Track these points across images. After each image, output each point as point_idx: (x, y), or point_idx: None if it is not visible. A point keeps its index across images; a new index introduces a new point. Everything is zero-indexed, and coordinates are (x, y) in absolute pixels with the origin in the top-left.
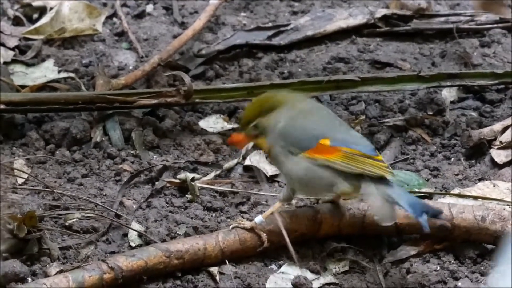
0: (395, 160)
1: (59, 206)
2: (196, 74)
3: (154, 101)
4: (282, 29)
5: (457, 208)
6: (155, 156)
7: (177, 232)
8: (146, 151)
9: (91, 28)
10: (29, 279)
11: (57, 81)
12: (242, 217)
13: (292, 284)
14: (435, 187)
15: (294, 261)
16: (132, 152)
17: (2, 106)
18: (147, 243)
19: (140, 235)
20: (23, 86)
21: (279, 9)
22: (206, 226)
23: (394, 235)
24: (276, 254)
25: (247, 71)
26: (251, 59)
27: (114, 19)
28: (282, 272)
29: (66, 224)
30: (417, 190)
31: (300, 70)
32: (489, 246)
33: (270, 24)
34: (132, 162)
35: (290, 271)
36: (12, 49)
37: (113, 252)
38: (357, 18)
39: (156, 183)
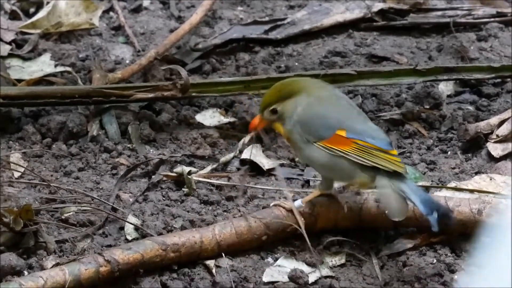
0: None
1: (56, 199)
2: (192, 68)
3: (151, 95)
4: (279, 23)
5: (454, 201)
6: (151, 150)
7: (174, 226)
8: (142, 145)
9: (87, 22)
10: (26, 272)
11: (53, 75)
12: (283, 200)
13: (288, 277)
14: (432, 181)
15: (310, 251)
16: (128, 145)
17: None
18: (144, 236)
19: (136, 228)
20: (19, 80)
21: (276, 3)
22: (202, 219)
23: (390, 228)
24: (273, 247)
25: (244, 65)
26: (247, 53)
27: (111, 13)
28: (279, 265)
29: (63, 217)
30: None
31: (296, 64)
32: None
33: (267, 18)
34: (129, 156)
35: (287, 264)
36: (9, 43)
37: (110, 246)
38: (354, 12)
39: (153, 176)
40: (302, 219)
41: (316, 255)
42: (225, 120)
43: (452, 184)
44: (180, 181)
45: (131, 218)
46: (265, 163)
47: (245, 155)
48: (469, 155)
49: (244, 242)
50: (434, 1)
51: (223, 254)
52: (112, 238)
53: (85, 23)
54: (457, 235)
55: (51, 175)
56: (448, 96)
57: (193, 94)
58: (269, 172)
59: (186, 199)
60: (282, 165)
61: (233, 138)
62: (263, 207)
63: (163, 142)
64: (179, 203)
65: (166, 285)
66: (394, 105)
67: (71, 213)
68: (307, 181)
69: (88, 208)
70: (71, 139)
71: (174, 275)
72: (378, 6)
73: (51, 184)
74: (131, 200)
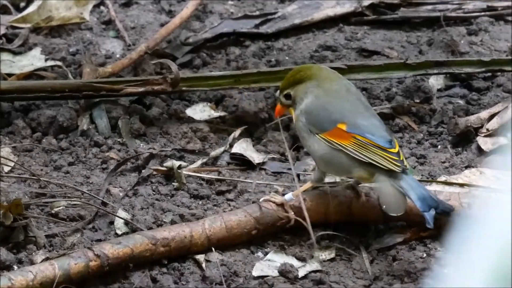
0: None
1: (46, 194)
2: (183, 62)
3: (141, 89)
4: (269, 17)
5: (444, 195)
6: (141, 144)
7: (164, 220)
8: (132, 139)
9: (78, 16)
10: (15, 267)
11: (44, 69)
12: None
13: (278, 272)
14: (422, 175)
15: (313, 245)
16: (118, 140)
17: None
18: (134, 230)
19: (126, 223)
20: (10, 75)
21: None
22: (192, 213)
23: (380, 223)
24: (263, 242)
25: (234, 59)
26: (238, 47)
27: (102, 7)
28: (269, 260)
29: (52, 212)
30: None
31: (287, 58)
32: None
33: (257, 13)
34: (119, 150)
35: (277, 259)
36: None
37: (99, 240)
38: (345, 6)
39: (143, 171)
40: (292, 213)
41: (307, 249)
42: (215, 114)
43: (442, 178)
44: (170, 176)
45: (121, 213)
46: (255, 157)
47: (235, 149)
48: (459, 149)
49: (234, 236)
50: None
51: (213, 249)
52: (102, 232)
53: (75, 17)
54: (448, 229)
55: (41, 170)
56: (439, 90)
57: (184, 88)
58: (259, 167)
59: (176, 194)
60: (272, 159)
61: (223, 132)
62: (253, 201)
63: (153, 137)
64: (169, 197)
65: (156, 280)
66: (384, 99)
67: (61, 207)
68: (298, 175)
69: (78, 203)
70: (61, 134)
71: (164, 269)
72: (368, 0)
73: (41, 178)
74: (121, 194)
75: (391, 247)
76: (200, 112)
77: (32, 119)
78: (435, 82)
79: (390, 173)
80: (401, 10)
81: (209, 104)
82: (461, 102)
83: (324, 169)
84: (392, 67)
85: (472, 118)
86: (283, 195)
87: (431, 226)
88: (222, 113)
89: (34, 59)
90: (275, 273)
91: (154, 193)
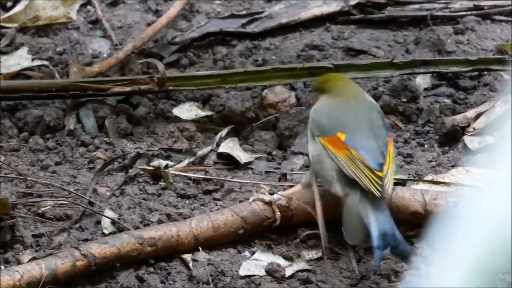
0: None
1: (32, 193)
2: (170, 61)
3: (128, 89)
4: (256, 16)
5: (430, 194)
6: (128, 144)
7: (151, 219)
8: (119, 139)
9: (65, 16)
10: (2, 267)
11: (31, 69)
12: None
13: (265, 271)
14: (409, 174)
15: (322, 244)
16: (105, 139)
17: None
18: (120, 230)
19: (113, 222)
20: None
21: None
22: (179, 213)
23: None
24: (250, 241)
25: (221, 59)
26: (225, 47)
27: (88, 7)
28: (256, 259)
29: (39, 211)
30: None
31: (274, 57)
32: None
33: (244, 12)
34: (106, 150)
35: (263, 258)
36: None
37: (86, 240)
38: (331, 5)
39: (130, 170)
40: (279, 213)
41: (294, 248)
42: (202, 113)
43: (429, 177)
44: (157, 175)
45: (108, 212)
46: (242, 156)
47: (222, 148)
48: (446, 148)
49: (221, 236)
50: None
51: (200, 248)
52: (89, 232)
53: (62, 17)
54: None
55: (28, 169)
56: (425, 89)
57: (170, 87)
58: (246, 166)
59: (163, 193)
60: (259, 158)
61: (210, 131)
62: (240, 201)
63: (140, 136)
64: (156, 196)
65: (142, 279)
66: None
67: (48, 207)
68: (284, 175)
69: (65, 202)
70: (48, 133)
71: (151, 269)
72: None
73: (28, 178)
74: (108, 194)
75: None
76: (187, 111)
77: (19, 118)
78: (422, 81)
79: (364, 199)
80: (388, 10)
81: (196, 104)
82: (448, 101)
83: (314, 173)
84: (379, 66)
85: (458, 117)
86: (272, 194)
87: (376, 264)
88: (209, 113)
89: (21, 59)
90: (262, 272)
91: (141, 192)
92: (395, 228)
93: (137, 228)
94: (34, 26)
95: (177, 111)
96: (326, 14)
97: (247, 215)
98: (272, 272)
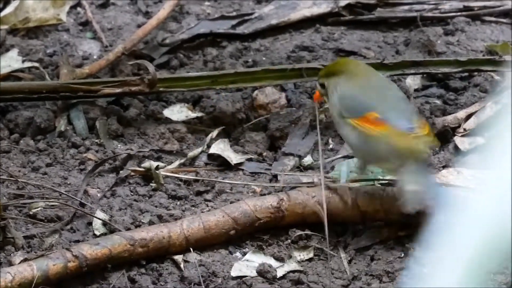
0: None
1: (24, 195)
2: (160, 63)
3: (118, 90)
4: (246, 18)
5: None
6: (119, 145)
7: (142, 221)
8: (110, 140)
9: (55, 17)
10: None
11: (21, 70)
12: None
13: (257, 272)
14: None
15: (326, 240)
16: (96, 141)
17: None
18: (112, 231)
19: (104, 223)
20: None
21: None
22: (170, 214)
23: (358, 222)
24: (241, 242)
25: (212, 60)
26: (215, 48)
27: (78, 8)
28: (247, 260)
29: (31, 213)
30: (381, 177)
31: (264, 58)
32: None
33: (234, 13)
34: (97, 151)
35: (255, 259)
36: None
37: (78, 241)
38: (321, 6)
39: (121, 171)
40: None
41: (285, 249)
42: (192, 115)
43: None
44: (148, 176)
45: (99, 213)
46: (233, 157)
47: (212, 149)
48: (437, 149)
49: (212, 237)
50: None
51: (191, 249)
52: (80, 233)
53: (52, 18)
54: (425, 228)
55: (19, 171)
56: (416, 90)
57: (161, 89)
58: (237, 167)
59: (154, 194)
60: (250, 159)
61: (200, 133)
62: (231, 202)
63: (131, 137)
64: (147, 198)
65: (134, 280)
66: None
67: (39, 208)
68: (275, 176)
69: (56, 204)
70: (39, 135)
71: (142, 270)
72: (345, 0)
73: (18, 179)
74: (99, 195)
75: (369, 247)
76: (178, 113)
77: (10, 120)
78: (412, 82)
79: (414, 167)
80: (378, 11)
81: (186, 105)
82: (438, 102)
83: (362, 157)
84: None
85: (449, 118)
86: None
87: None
88: (200, 114)
89: (11, 61)
90: (254, 273)
91: (132, 193)
92: (445, 190)
93: (128, 229)
94: (24, 28)
95: (167, 113)
96: (316, 15)
97: (238, 216)
98: (263, 273)
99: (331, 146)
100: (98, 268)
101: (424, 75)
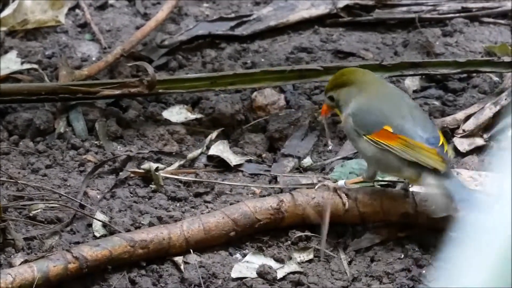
0: None
1: (23, 196)
2: (159, 64)
3: (118, 92)
4: (244, 19)
5: (421, 196)
6: (118, 147)
7: (142, 222)
8: (109, 142)
9: (54, 19)
10: None
11: (20, 72)
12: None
13: (257, 273)
14: None
15: (322, 243)
16: (95, 142)
17: None
18: (112, 233)
19: (104, 225)
20: None
21: (242, 0)
22: (170, 215)
23: (358, 223)
24: (241, 243)
25: (210, 62)
26: (214, 50)
27: (77, 10)
28: (247, 261)
29: (31, 214)
30: (380, 178)
31: (263, 60)
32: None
33: (232, 15)
34: (96, 153)
35: (255, 260)
36: None
37: (78, 242)
38: (320, 8)
39: (120, 173)
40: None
41: (285, 250)
42: (192, 116)
43: None
44: (147, 178)
45: (99, 215)
46: (232, 159)
47: (212, 151)
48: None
49: (212, 238)
50: None
51: (191, 251)
52: (80, 235)
53: (51, 20)
54: (425, 229)
55: (19, 173)
56: (414, 91)
57: (160, 90)
58: (237, 168)
59: (154, 196)
60: (249, 161)
61: (200, 134)
62: (231, 203)
63: (130, 139)
64: (146, 199)
65: (134, 282)
66: None
67: (39, 210)
68: (275, 177)
69: (56, 205)
70: (38, 136)
71: (143, 271)
72: (343, 2)
73: (18, 181)
74: (98, 197)
75: (369, 248)
76: (177, 114)
77: (9, 122)
78: (411, 83)
79: (437, 174)
80: (376, 12)
81: (185, 107)
82: (437, 103)
83: (375, 168)
84: (368, 69)
85: (448, 119)
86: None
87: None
88: (199, 115)
89: (10, 62)
90: (254, 274)
91: (131, 195)
92: (471, 192)
93: (128, 230)
94: (23, 30)
95: (166, 114)
96: (315, 16)
97: (238, 217)
98: (263, 274)
99: (330, 147)
100: (98, 270)
101: (423, 76)
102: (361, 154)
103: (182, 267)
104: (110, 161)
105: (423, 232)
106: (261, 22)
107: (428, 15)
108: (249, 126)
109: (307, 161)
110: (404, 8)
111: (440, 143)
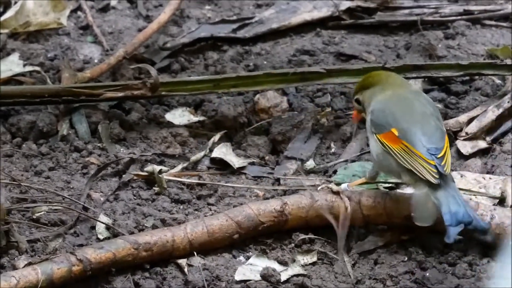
0: (362, 151)
1: (27, 199)
2: (161, 67)
3: (120, 94)
4: (246, 21)
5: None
6: (122, 149)
7: (145, 225)
8: (112, 144)
9: (55, 21)
10: None
11: (22, 74)
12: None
13: (260, 276)
14: None
15: (338, 247)
16: (98, 145)
17: None
18: (115, 235)
19: (108, 227)
20: None
21: (244, 2)
22: (173, 218)
23: (361, 226)
24: (244, 246)
25: (213, 64)
26: (216, 52)
27: (79, 12)
28: (251, 264)
29: (34, 217)
30: (382, 181)
31: (265, 62)
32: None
33: (234, 17)
34: (99, 155)
35: (259, 263)
36: None
37: (81, 245)
38: (322, 10)
39: (123, 175)
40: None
41: (289, 253)
42: (194, 119)
43: None
44: (150, 180)
45: (103, 217)
46: (235, 161)
47: (215, 153)
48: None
49: (215, 240)
50: None
51: (195, 253)
52: (84, 237)
53: (53, 22)
54: (428, 232)
55: (22, 175)
56: None
57: (163, 93)
58: (240, 171)
59: (157, 198)
60: (252, 163)
61: (203, 136)
62: (234, 206)
63: (133, 141)
64: (150, 202)
65: (138, 284)
66: None
67: (42, 212)
68: (278, 180)
69: (59, 208)
70: (41, 139)
71: (146, 274)
72: (345, 4)
73: (22, 183)
74: (102, 199)
75: (372, 251)
76: (180, 116)
77: (12, 124)
78: (414, 86)
79: (430, 184)
80: (378, 14)
81: (188, 109)
82: (440, 105)
83: (378, 168)
84: (370, 71)
85: (451, 121)
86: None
87: (450, 241)
88: (202, 118)
89: (12, 65)
90: (257, 277)
91: (135, 197)
92: (466, 207)
93: (131, 233)
94: (25, 32)
95: (169, 117)
96: (317, 19)
97: (241, 220)
98: (267, 276)
99: (333, 150)
100: (102, 272)
101: (426, 79)
102: (371, 152)
103: (186, 269)
104: (113, 163)
105: (427, 234)
106: (263, 24)
107: (430, 18)
108: (252, 128)
109: (310, 164)
110: (406, 11)
111: (441, 154)
